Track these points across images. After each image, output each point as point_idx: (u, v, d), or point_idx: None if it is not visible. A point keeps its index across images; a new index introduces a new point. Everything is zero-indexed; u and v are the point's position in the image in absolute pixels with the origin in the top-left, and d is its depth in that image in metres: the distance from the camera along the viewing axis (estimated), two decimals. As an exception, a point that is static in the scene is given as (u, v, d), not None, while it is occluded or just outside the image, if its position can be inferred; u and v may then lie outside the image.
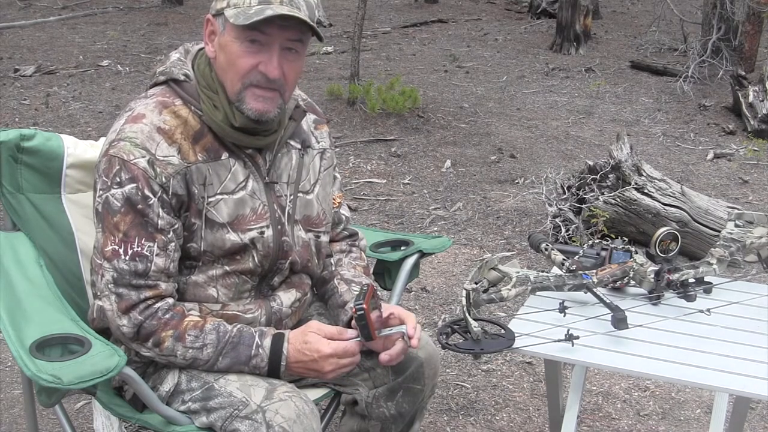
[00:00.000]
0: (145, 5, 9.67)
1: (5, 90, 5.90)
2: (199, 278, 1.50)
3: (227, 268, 1.51)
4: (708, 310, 1.65)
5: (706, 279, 1.79)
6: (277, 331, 1.50)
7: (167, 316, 1.44)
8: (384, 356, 1.51)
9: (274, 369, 1.47)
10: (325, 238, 1.67)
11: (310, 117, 1.67)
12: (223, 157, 1.48)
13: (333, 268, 1.72)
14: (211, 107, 1.47)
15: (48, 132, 1.72)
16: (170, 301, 1.46)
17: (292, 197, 1.58)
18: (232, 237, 1.49)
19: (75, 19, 8.68)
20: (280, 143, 1.56)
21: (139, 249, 1.42)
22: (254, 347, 1.46)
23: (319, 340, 1.45)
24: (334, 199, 1.72)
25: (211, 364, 1.46)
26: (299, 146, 1.61)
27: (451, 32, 9.09)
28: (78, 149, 1.72)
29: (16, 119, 5.28)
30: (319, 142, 1.67)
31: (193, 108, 1.48)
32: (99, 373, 1.27)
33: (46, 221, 1.68)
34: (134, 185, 1.41)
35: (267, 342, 1.46)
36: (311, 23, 1.42)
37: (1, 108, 5.49)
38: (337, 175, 1.75)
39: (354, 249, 1.78)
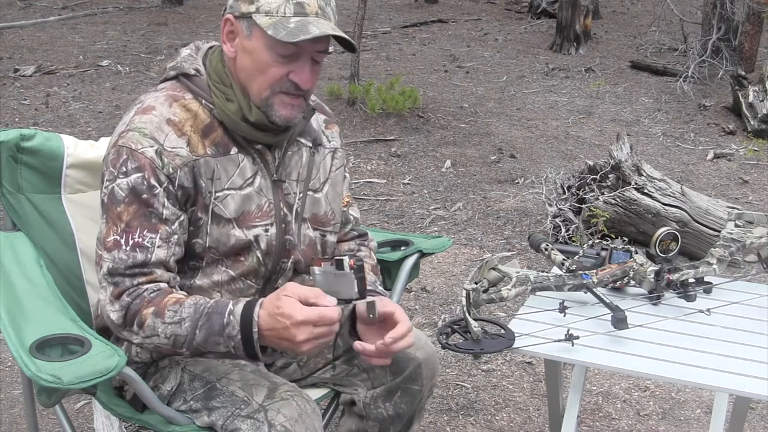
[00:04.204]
0: (145, 5, 9.67)
1: (5, 90, 5.90)
2: (203, 282, 1.49)
3: (232, 272, 1.50)
4: (708, 310, 1.65)
5: (706, 279, 1.79)
6: (252, 299, 1.40)
7: (152, 294, 1.40)
8: (357, 345, 1.44)
9: (247, 338, 1.33)
10: (331, 238, 1.65)
11: (320, 117, 1.66)
12: (232, 152, 1.48)
13: None
14: (223, 100, 1.46)
15: (48, 132, 1.72)
16: (162, 285, 1.42)
17: (301, 195, 1.57)
18: (237, 233, 1.48)
19: (75, 19, 8.68)
20: (290, 141, 1.55)
21: (140, 240, 1.40)
22: (226, 315, 1.35)
23: (293, 304, 1.30)
24: (342, 199, 1.71)
25: (189, 339, 1.36)
26: (310, 144, 1.60)
27: (451, 32, 9.08)
28: (78, 149, 1.72)
29: (16, 119, 5.28)
30: (330, 141, 1.66)
31: (203, 102, 1.47)
32: (99, 373, 1.27)
33: (46, 221, 1.68)
34: (140, 174, 1.40)
35: (239, 308, 1.35)
36: (351, 40, 1.43)
37: (1, 108, 5.49)
38: (347, 175, 1.73)
39: (363, 248, 1.75)
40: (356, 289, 1.36)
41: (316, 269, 1.40)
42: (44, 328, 1.38)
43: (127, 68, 6.65)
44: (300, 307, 1.30)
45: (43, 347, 1.33)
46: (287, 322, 1.30)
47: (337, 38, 1.42)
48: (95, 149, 1.75)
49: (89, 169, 1.73)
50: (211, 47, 1.57)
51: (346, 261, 1.35)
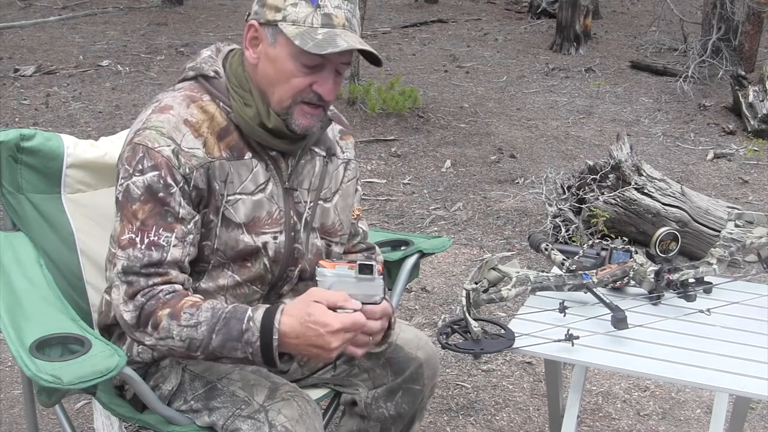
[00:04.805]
0: (145, 5, 9.67)
1: (5, 90, 5.90)
2: (209, 286, 1.48)
3: (238, 278, 1.49)
4: (708, 310, 1.65)
5: (706, 279, 1.79)
6: (272, 305, 1.38)
7: (168, 296, 1.38)
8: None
9: (266, 345, 1.32)
10: (336, 249, 1.64)
11: (336, 127, 1.65)
12: (246, 157, 1.47)
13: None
14: (241, 104, 1.45)
15: (48, 132, 1.72)
16: (177, 287, 1.40)
17: (312, 204, 1.56)
18: (246, 238, 1.47)
19: (75, 19, 8.68)
20: (304, 150, 1.54)
21: (156, 239, 1.38)
22: (246, 321, 1.33)
23: (324, 312, 1.30)
24: (353, 212, 1.70)
25: (206, 343, 1.34)
26: (324, 153, 1.59)
27: (451, 32, 9.09)
28: (78, 149, 1.72)
29: (16, 119, 5.28)
30: (344, 152, 1.65)
31: (221, 104, 1.47)
32: (99, 374, 1.27)
33: (46, 221, 1.68)
34: (156, 173, 1.39)
35: (259, 314, 1.34)
36: (378, 55, 1.43)
37: (1, 108, 5.49)
38: (359, 187, 1.72)
39: None
40: (383, 294, 1.35)
41: (328, 271, 1.36)
42: (44, 328, 1.38)
43: (127, 68, 6.65)
44: (333, 314, 1.30)
45: (43, 347, 1.33)
46: (322, 330, 1.29)
47: (363, 52, 1.42)
48: (95, 149, 1.75)
49: (89, 169, 1.72)
50: (231, 50, 1.56)
51: (376, 266, 1.33)
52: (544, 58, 7.92)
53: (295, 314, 1.32)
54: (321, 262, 1.38)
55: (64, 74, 6.39)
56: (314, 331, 1.29)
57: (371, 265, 1.33)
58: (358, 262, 1.34)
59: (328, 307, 1.31)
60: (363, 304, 1.34)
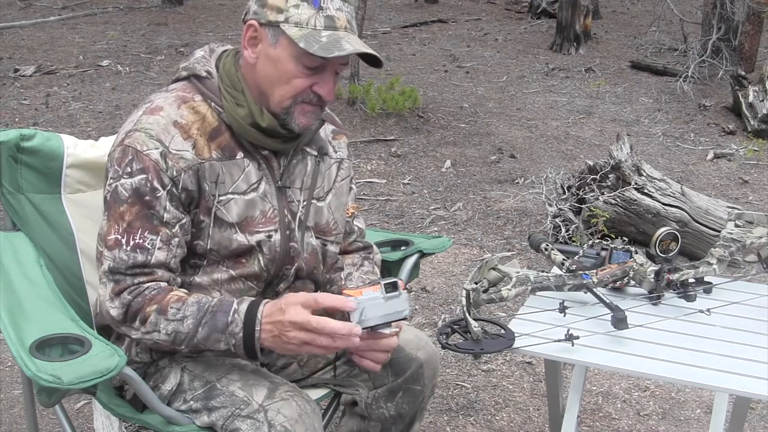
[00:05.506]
0: (145, 5, 9.67)
1: (5, 90, 5.90)
2: (203, 280, 1.49)
3: (233, 272, 1.50)
4: (708, 310, 1.65)
5: (706, 279, 1.79)
6: (257, 299, 1.42)
7: (153, 292, 1.41)
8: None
9: (248, 336, 1.36)
10: (332, 248, 1.64)
11: (328, 127, 1.66)
12: (237, 157, 1.48)
13: (342, 283, 1.67)
14: (233, 104, 1.46)
15: (48, 132, 1.72)
16: (162, 284, 1.43)
17: (305, 203, 1.57)
18: (239, 237, 1.48)
19: (75, 19, 8.68)
20: (296, 149, 1.55)
21: (141, 241, 1.41)
22: (231, 313, 1.38)
23: (297, 309, 1.33)
24: (347, 210, 1.70)
25: (191, 336, 1.38)
26: (315, 153, 1.60)
27: (451, 32, 9.09)
28: (78, 149, 1.72)
29: (16, 119, 5.28)
30: (336, 152, 1.66)
31: (213, 105, 1.47)
32: (99, 373, 1.27)
33: (46, 221, 1.68)
34: (144, 176, 1.40)
35: (243, 307, 1.38)
36: (380, 58, 1.44)
37: (1, 108, 5.49)
38: (353, 186, 1.73)
39: (366, 263, 1.73)
40: (409, 309, 1.39)
41: (356, 299, 1.36)
42: (44, 328, 1.39)
43: (127, 68, 6.65)
44: (304, 312, 1.33)
45: (44, 347, 1.34)
46: (284, 318, 1.33)
47: (362, 54, 1.43)
48: (95, 149, 1.75)
49: (89, 168, 1.73)
50: (225, 50, 1.56)
51: (399, 282, 1.37)
52: (544, 58, 7.92)
53: (275, 305, 1.36)
54: (345, 291, 1.39)
55: (64, 74, 6.39)
56: (282, 325, 1.34)
57: (395, 281, 1.37)
58: (382, 282, 1.37)
59: (304, 305, 1.33)
60: (393, 322, 1.39)
